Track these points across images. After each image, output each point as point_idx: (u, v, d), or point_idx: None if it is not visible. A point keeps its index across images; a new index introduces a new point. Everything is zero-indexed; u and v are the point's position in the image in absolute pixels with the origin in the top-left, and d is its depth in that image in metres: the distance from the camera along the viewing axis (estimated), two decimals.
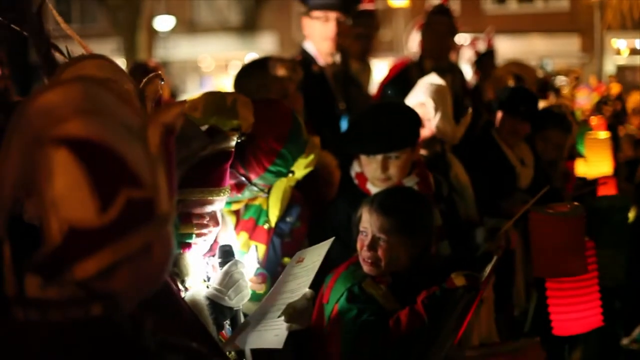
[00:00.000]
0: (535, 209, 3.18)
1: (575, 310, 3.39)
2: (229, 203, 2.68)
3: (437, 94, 3.68)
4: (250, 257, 2.69)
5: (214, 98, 2.65)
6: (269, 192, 2.83)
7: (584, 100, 10.60)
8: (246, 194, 2.82)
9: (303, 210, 3.09)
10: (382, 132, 3.07)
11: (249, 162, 2.73)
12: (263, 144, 2.72)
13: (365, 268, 2.72)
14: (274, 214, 2.94)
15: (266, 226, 2.93)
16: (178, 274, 2.40)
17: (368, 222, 2.72)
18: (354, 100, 4.56)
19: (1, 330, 1.32)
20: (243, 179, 2.76)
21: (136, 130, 1.33)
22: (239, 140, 2.52)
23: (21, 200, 1.41)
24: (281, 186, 2.93)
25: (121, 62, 17.61)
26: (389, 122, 3.07)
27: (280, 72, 3.59)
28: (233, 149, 2.49)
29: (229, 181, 2.64)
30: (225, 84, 18.67)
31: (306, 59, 4.39)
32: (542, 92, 6.63)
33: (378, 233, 2.70)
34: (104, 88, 1.35)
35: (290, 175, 2.85)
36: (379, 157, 3.09)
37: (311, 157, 2.93)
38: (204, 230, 2.43)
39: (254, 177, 2.76)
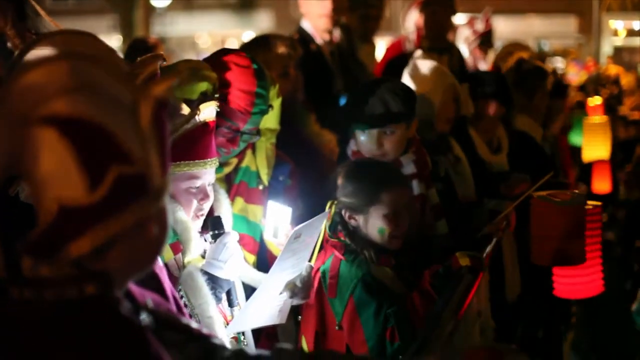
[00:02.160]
0: (537, 195, 3.19)
1: (578, 275, 3.39)
2: (221, 167, 2.69)
3: (432, 75, 3.69)
4: (283, 218, 2.76)
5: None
6: (259, 133, 2.86)
7: (573, 76, 10.62)
8: (242, 145, 2.84)
9: (293, 168, 3.14)
10: (377, 106, 3.09)
11: (233, 114, 2.75)
12: (238, 92, 2.75)
13: (395, 244, 2.73)
14: (264, 173, 2.97)
15: (261, 187, 2.97)
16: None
17: (394, 201, 2.73)
18: (356, 79, 4.56)
19: None
20: (234, 131, 2.78)
21: (126, 105, 1.31)
22: (217, 107, 2.52)
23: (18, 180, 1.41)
24: (262, 146, 2.98)
25: (118, 39, 17.54)
26: (384, 96, 3.08)
27: (281, 49, 3.61)
28: (214, 120, 2.51)
29: (219, 143, 2.69)
30: None
31: (304, 38, 4.40)
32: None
33: (403, 204, 2.75)
34: (91, 63, 1.34)
35: (271, 110, 2.88)
36: (374, 132, 3.10)
37: (277, 85, 2.98)
38: (195, 205, 2.45)
39: (242, 126, 2.78)
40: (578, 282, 3.44)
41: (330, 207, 2.75)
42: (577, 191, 3.27)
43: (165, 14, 21.42)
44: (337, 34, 4.59)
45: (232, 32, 22.82)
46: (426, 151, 3.25)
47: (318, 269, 2.72)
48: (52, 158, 1.26)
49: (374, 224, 2.71)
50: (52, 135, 1.25)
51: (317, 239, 2.67)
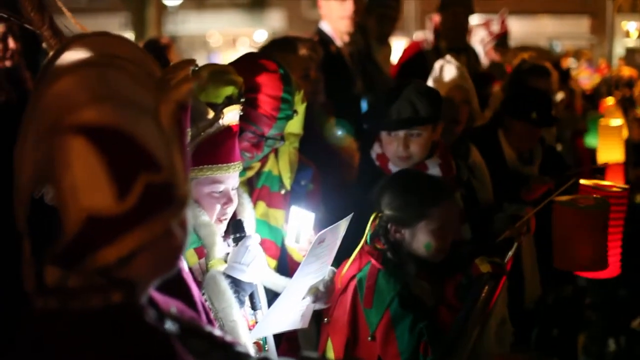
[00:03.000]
0: (560, 200, 3.17)
1: None
2: (243, 171, 2.69)
3: (459, 77, 3.69)
4: (306, 223, 2.74)
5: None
6: (282, 139, 2.84)
7: (585, 80, 10.58)
8: (266, 150, 2.82)
9: (315, 172, 3.12)
10: (404, 108, 3.08)
11: (259, 118, 2.73)
12: (264, 97, 2.73)
13: (439, 258, 2.71)
14: (287, 177, 2.96)
15: (282, 191, 2.95)
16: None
17: (442, 216, 2.71)
18: (373, 80, 4.55)
19: (23, 320, 1.32)
20: (259, 136, 2.76)
21: (149, 110, 1.31)
22: (241, 111, 2.51)
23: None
24: (285, 150, 2.96)
25: (130, 37, 17.56)
26: (411, 99, 3.08)
27: (302, 52, 3.60)
28: (238, 124, 2.49)
29: (244, 147, 2.67)
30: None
31: (323, 40, 4.38)
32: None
33: (450, 218, 2.74)
34: (115, 69, 1.34)
35: (295, 115, 2.86)
36: (401, 134, 3.10)
37: (302, 90, 2.96)
38: (218, 209, 2.43)
39: (267, 131, 2.76)
40: None
41: (375, 219, 2.73)
42: (597, 196, 3.23)
43: (177, 13, 21.46)
44: (354, 36, 4.58)
45: (244, 30, 22.87)
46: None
47: (353, 276, 2.70)
48: (81, 167, 1.25)
49: (420, 239, 2.69)
50: (81, 144, 1.25)
51: (339, 243, 2.66)
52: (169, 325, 1.43)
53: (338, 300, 2.71)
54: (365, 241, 2.73)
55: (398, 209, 2.71)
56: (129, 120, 1.28)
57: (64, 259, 1.26)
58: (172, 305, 1.53)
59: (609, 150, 6.09)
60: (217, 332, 1.67)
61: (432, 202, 2.69)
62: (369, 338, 2.61)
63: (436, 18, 5.53)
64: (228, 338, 1.71)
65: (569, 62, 10.48)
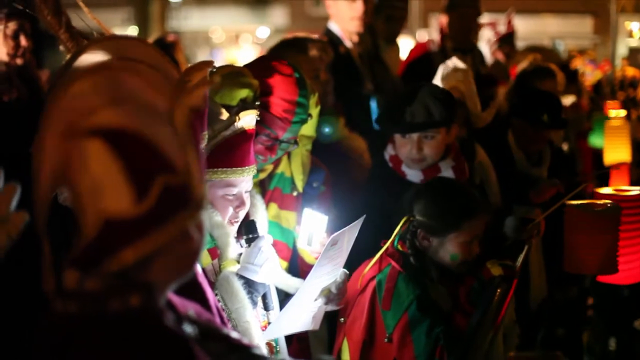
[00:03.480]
0: (571, 204, 3.17)
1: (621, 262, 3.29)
2: (256, 173, 2.69)
3: (464, 78, 3.70)
4: (319, 226, 2.75)
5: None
6: (296, 143, 2.83)
7: (587, 76, 10.57)
8: (279, 153, 2.83)
9: (327, 174, 3.13)
10: (418, 110, 3.08)
11: (273, 122, 2.73)
12: (279, 101, 2.73)
13: (462, 270, 2.73)
14: (299, 179, 2.98)
15: (295, 193, 2.97)
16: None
17: (473, 230, 2.72)
18: (382, 81, 4.55)
19: (42, 324, 1.31)
20: (273, 139, 2.76)
21: (163, 114, 1.31)
22: (257, 116, 2.52)
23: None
24: (298, 152, 2.97)
25: (133, 33, 17.55)
26: (425, 101, 3.08)
27: (313, 52, 3.60)
28: (254, 128, 2.50)
29: (257, 150, 2.68)
30: (236, 56, 18.55)
31: (332, 40, 4.37)
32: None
33: (480, 232, 2.74)
34: (129, 73, 1.34)
35: (310, 119, 2.86)
36: (415, 137, 3.11)
37: (316, 93, 2.96)
38: (231, 212, 2.44)
39: (282, 134, 2.76)
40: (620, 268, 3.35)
41: (406, 222, 2.73)
42: (609, 201, 3.23)
43: (180, 8, 21.43)
44: (362, 36, 4.57)
45: (247, 27, 22.81)
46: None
47: (372, 277, 2.71)
48: (99, 170, 1.25)
49: (448, 249, 2.70)
50: (99, 147, 1.25)
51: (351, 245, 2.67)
52: (187, 328, 1.44)
53: (356, 300, 2.72)
54: (392, 243, 2.73)
55: (431, 217, 2.71)
56: (145, 122, 1.29)
57: (83, 262, 1.26)
58: (190, 307, 1.53)
59: (616, 150, 6.09)
60: (234, 334, 1.68)
61: (467, 216, 2.70)
62: (386, 340, 2.62)
63: (443, 19, 5.53)
64: (245, 341, 1.71)
65: (577, 63, 10.46)
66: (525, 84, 4.98)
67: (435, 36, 5.62)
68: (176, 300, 1.47)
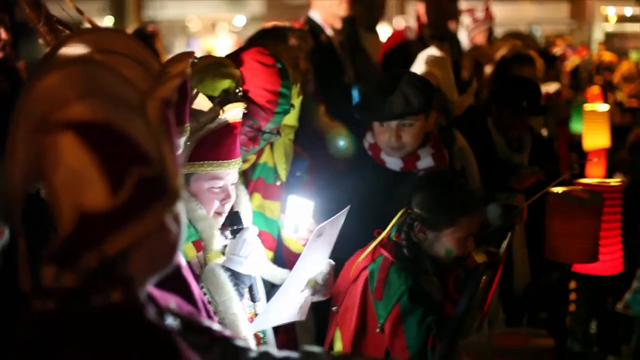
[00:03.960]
0: (554, 192, 3.18)
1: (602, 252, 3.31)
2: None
3: (440, 65, 3.70)
4: (305, 212, 2.74)
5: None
6: (279, 133, 2.83)
7: (567, 61, 10.64)
8: (262, 144, 2.82)
9: (310, 163, 3.13)
10: (397, 99, 3.08)
11: (256, 113, 2.72)
12: (261, 91, 2.72)
13: (454, 264, 2.73)
14: (282, 169, 2.97)
15: (278, 183, 2.96)
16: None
17: (469, 226, 2.71)
18: (363, 69, 4.55)
19: (22, 322, 1.30)
20: (255, 130, 2.76)
21: (136, 106, 1.31)
22: (244, 109, 2.50)
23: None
24: (280, 142, 2.97)
25: (109, 22, 17.40)
26: (403, 89, 3.07)
27: (292, 41, 3.59)
28: (240, 121, 2.49)
29: (240, 141, 2.64)
30: (213, 44, 18.46)
31: (313, 29, 4.36)
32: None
33: (475, 228, 2.74)
34: (100, 66, 1.33)
35: (292, 109, 2.85)
36: (393, 124, 3.10)
37: (298, 83, 2.96)
38: (217, 205, 2.44)
39: (264, 125, 2.76)
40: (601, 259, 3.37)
41: (403, 214, 2.72)
42: (593, 190, 3.24)
43: None
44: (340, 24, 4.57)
45: (223, 16, 22.69)
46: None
47: (365, 267, 2.70)
48: (72, 163, 1.24)
49: (444, 243, 2.70)
50: (70, 140, 1.24)
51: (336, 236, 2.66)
52: (170, 321, 1.43)
53: (349, 290, 2.72)
54: (389, 235, 2.72)
55: (429, 211, 2.70)
56: (117, 115, 1.28)
57: (60, 258, 1.25)
58: (171, 300, 1.52)
59: (595, 136, 6.12)
60: (216, 326, 1.67)
61: (464, 212, 2.69)
62: (377, 330, 2.62)
63: (420, 6, 5.51)
64: (227, 332, 1.71)
65: (556, 50, 10.53)
66: (504, 70, 4.98)
67: (413, 23, 5.62)
68: (157, 293, 1.47)
